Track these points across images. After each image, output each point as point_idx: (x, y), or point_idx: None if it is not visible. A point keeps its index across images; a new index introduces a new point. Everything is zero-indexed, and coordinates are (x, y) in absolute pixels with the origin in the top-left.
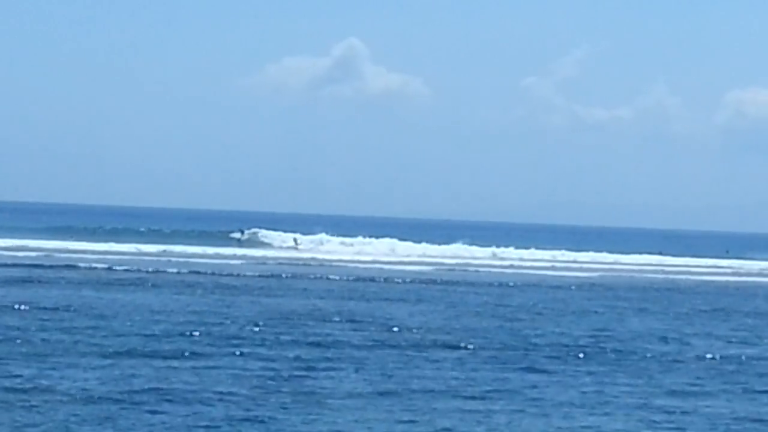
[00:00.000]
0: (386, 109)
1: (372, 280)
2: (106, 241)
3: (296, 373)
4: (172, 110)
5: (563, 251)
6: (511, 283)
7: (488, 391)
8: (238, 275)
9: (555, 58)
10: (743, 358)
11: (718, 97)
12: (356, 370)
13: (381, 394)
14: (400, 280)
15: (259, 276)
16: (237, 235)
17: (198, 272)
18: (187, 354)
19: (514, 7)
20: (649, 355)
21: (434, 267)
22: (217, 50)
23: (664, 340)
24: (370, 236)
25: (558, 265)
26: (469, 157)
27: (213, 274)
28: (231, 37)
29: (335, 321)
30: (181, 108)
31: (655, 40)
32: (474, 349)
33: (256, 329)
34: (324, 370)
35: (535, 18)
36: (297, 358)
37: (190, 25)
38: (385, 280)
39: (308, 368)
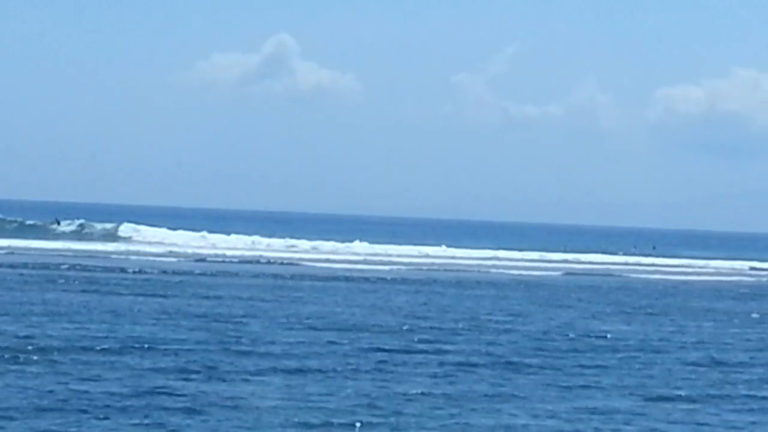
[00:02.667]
0: (317, 104)
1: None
2: None
3: None
4: (97, 104)
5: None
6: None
7: None
8: None
9: (486, 55)
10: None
11: (648, 94)
12: None
13: None
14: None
15: None
16: (54, 225)
17: None
18: None
19: (446, 4)
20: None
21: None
22: (146, 46)
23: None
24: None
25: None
26: (398, 152)
27: None
28: (160, 34)
29: None
30: (107, 102)
31: (585, 38)
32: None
33: None
34: None
35: (466, 15)
36: None
37: (119, 20)
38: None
39: None
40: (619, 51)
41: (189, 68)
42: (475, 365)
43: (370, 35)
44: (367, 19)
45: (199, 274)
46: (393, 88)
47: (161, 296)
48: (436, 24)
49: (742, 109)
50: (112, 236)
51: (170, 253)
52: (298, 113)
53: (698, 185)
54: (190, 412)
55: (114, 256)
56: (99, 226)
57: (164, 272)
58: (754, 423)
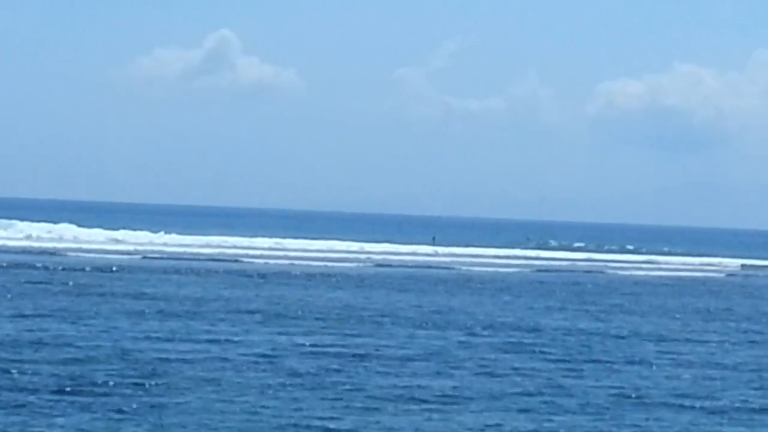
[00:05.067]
0: (259, 100)
1: None
2: None
3: None
4: (34, 99)
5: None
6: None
7: None
8: None
9: (427, 49)
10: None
11: (589, 89)
12: None
13: None
14: None
15: None
16: None
17: None
18: None
19: None
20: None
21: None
22: (86, 41)
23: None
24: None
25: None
26: (341, 147)
27: None
28: (100, 29)
29: None
30: (45, 97)
31: (526, 32)
32: None
33: None
34: None
35: (408, 9)
36: None
37: (58, 14)
38: None
39: None
40: (560, 45)
41: (130, 63)
42: None
43: (311, 30)
44: (308, 14)
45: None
46: (335, 82)
47: None
48: (377, 18)
49: (683, 103)
50: None
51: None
52: (241, 109)
53: (639, 179)
54: None
55: None
56: None
57: None
58: None
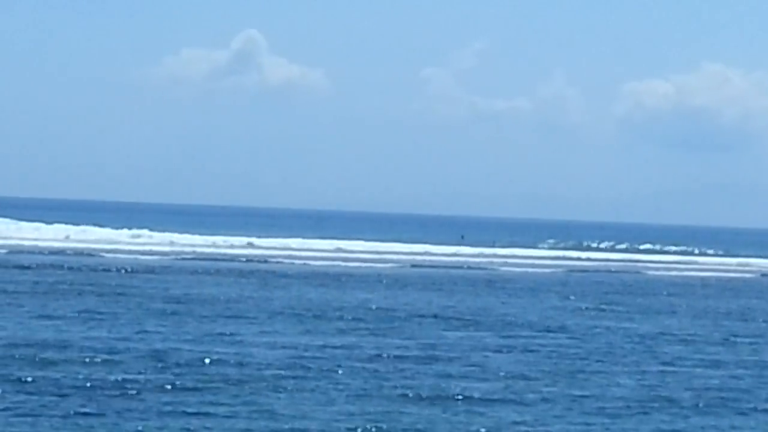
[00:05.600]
0: (286, 100)
1: None
2: None
3: None
4: (61, 100)
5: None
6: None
7: None
8: None
9: (454, 50)
10: None
11: (615, 89)
12: None
13: None
14: None
15: None
16: None
17: None
18: None
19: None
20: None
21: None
22: (115, 41)
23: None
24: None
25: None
26: (367, 148)
27: None
28: (129, 28)
29: None
30: (72, 98)
31: (553, 32)
32: None
33: None
34: None
35: (434, 10)
36: None
37: (86, 15)
38: None
39: None
40: (586, 45)
41: (157, 63)
42: None
43: (338, 30)
44: (335, 14)
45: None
46: (362, 83)
47: None
48: (404, 19)
49: (710, 103)
50: None
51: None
52: (267, 109)
53: (666, 179)
54: None
55: None
56: None
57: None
58: None
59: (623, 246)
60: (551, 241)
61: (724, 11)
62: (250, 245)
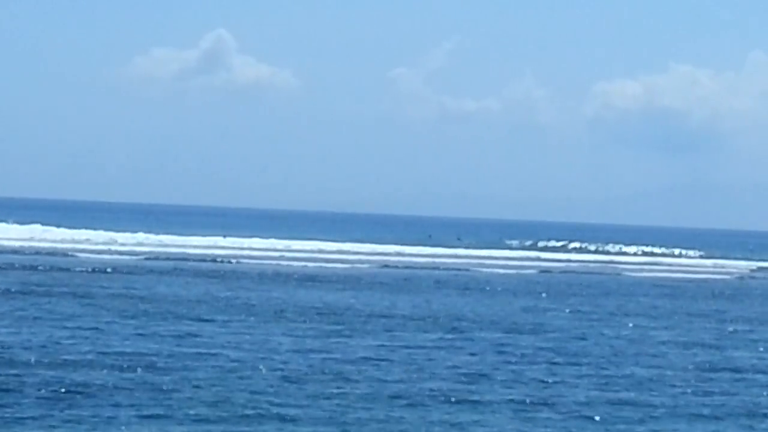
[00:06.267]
0: (255, 99)
1: None
2: None
3: None
4: (31, 98)
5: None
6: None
7: None
8: None
9: (423, 50)
10: None
11: (585, 89)
12: None
13: None
14: None
15: None
16: None
17: None
18: None
19: None
20: None
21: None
22: (85, 41)
23: None
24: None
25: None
26: (336, 147)
27: None
28: (99, 28)
29: None
30: (47, 97)
31: (523, 33)
32: None
33: None
34: None
35: (403, 10)
36: None
37: (58, 15)
38: None
39: None
40: (556, 46)
41: (127, 63)
42: None
43: (307, 30)
44: (304, 14)
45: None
46: (330, 82)
47: None
48: (373, 19)
49: (679, 104)
50: None
51: None
52: (236, 108)
53: (635, 180)
54: None
55: None
56: None
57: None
58: None
59: (593, 247)
60: (515, 241)
61: (693, 13)
62: (216, 245)
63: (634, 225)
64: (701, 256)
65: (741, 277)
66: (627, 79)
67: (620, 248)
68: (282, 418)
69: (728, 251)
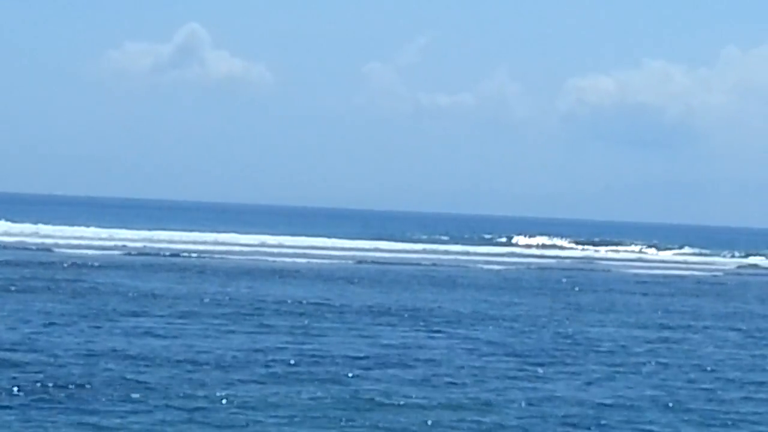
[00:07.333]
0: (229, 94)
1: None
2: None
3: None
4: (8, 92)
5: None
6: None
7: None
8: None
9: (397, 45)
10: None
11: (558, 84)
12: None
13: None
14: None
15: None
16: None
17: None
18: None
19: None
20: None
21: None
22: (56, 34)
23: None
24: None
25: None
26: (311, 142)
27: None
28: (70, 21)
29: None
30: (20, 90)
31: (496, 28)
32: None
33: None
34: None
35: (377, 4)
36: None
37: (30, 7)
38: None
39: None
40: (529, 41)
41: (100, 56)
42: None
43: (281, 24)
44: (278, 8)
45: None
46: (304, 77)
47: None
48: (346, 13)
49: (653, 100)
50: None
51: None
52: (211, 103)
53: (610, 175)
54: None
55: None
56: None
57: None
58: None
59: (568, 243)
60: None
61: (665, 7)
62: (188, 241)
63: (609, 221)
64: (683, 253)
65: (729, 273)
66: (600, 74)
67: (601, 242)
68: None
69: (705, 247)
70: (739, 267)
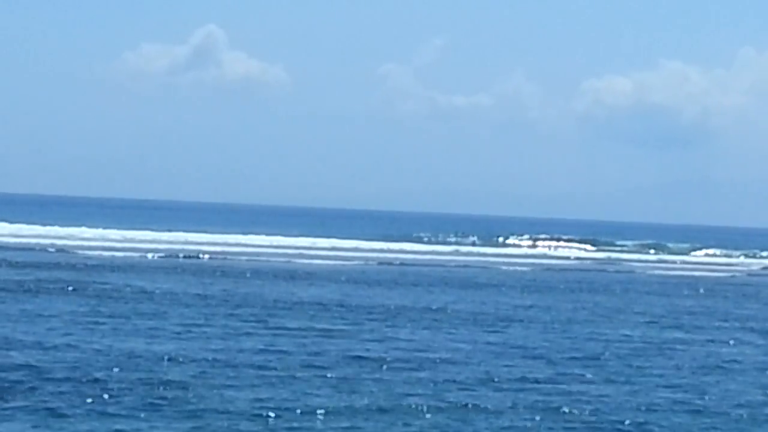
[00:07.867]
0: (245, 95)
1: None
2: None
3: None
4: (21, 95)
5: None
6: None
7: None
8: None
9: (414, 45)
10: None
11: (575, 85)
12: None
13: None
14: None
15: None
16: None
17: None
18: None
19: None
20: None
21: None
22: (75, 36)
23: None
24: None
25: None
26: (327, 143)
27: None
28: (88, 24)
29: None
30: (38, 93)
31: (513, 29)
32: None
33: None
34: None
35: (394, 5)
36: None
37: (48, 10)
38: None
39: None
40: (546, 42)
41: (117, 58)
42: None
43: (298, 26)
44: (295, 9)
45: None
46: (321, 78)
47: None
48: (363, 14)
49: (669, 101)
50: None
51: None
52: (227, 104)
53: (626, 176)
54: None
55: None
56: None
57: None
58: None
59: (590, 246)
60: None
61: (682, 9)
62: (206, 242)
63: (626, 221)
64: (695, 253)
65: (753, 274)
66: (617, 75)
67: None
68: None
69: (723, 247)
70: (763, 268)
